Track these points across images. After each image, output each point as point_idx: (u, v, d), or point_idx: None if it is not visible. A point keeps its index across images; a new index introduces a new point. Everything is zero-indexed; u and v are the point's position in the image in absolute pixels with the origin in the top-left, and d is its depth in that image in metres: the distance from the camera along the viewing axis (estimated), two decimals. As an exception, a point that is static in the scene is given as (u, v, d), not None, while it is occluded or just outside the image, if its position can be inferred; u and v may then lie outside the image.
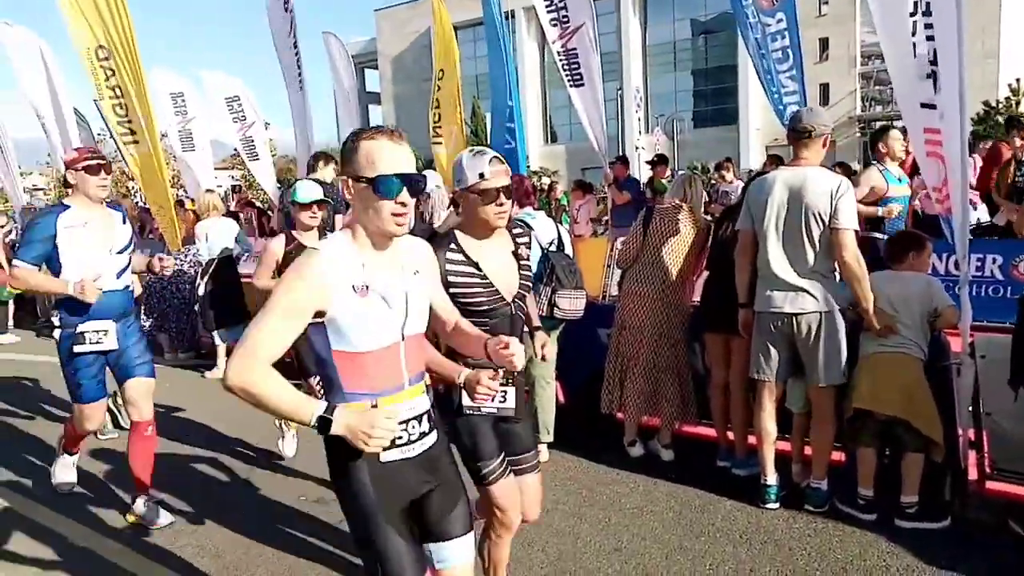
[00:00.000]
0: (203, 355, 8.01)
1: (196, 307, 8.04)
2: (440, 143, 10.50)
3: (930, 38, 3.92)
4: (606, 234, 10.89)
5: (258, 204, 16.08)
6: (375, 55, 55.59)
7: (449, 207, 5.94)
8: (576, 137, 45.36)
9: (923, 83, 4.05)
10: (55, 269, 3.93)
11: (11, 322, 10.75)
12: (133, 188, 27.29)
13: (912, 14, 4.02)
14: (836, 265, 3.85)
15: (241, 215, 13.79)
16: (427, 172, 6.46)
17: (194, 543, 3.97)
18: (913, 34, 4.04)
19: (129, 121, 8.37)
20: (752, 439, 4.38)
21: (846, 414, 3.97)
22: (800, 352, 3.92)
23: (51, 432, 5.39)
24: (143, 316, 8.15)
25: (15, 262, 3.89)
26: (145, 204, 15.49)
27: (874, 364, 3.90)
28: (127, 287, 4.17)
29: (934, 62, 3.92)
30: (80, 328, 3.96)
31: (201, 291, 7.50)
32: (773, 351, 3.97)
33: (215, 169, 16.67)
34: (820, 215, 3.77)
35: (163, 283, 8.21)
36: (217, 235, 7.53)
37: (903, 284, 3.98)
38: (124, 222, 4.18)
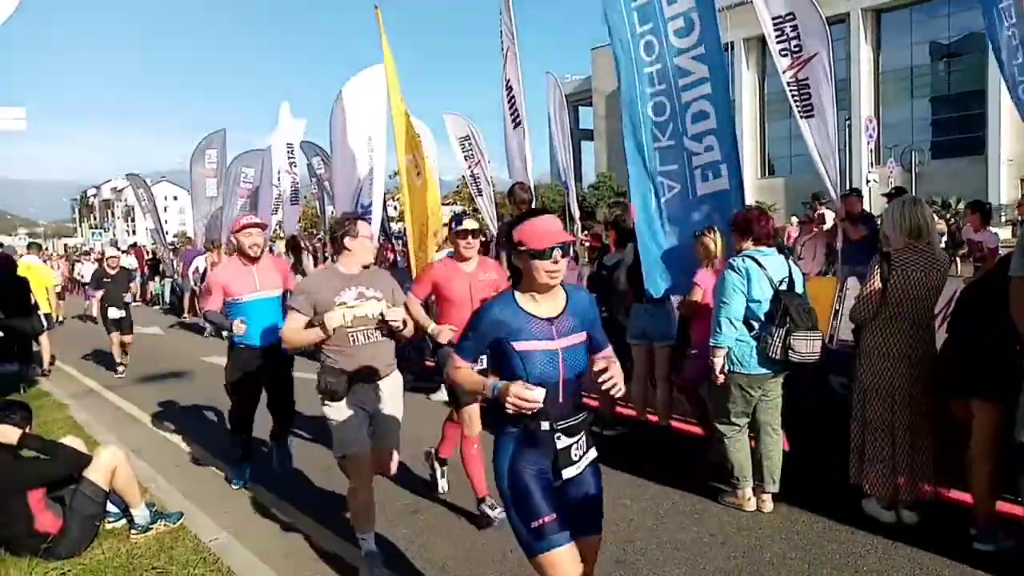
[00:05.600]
0: (424, 378, 8.53)
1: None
2: None
3: None
4: (833, 271, 10.20)
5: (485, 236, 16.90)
6: (588, 93, 56.82)
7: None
8: (796, 170, 43.25)
9: None
10: None
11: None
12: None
13: None
14: None
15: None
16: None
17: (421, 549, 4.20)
18: None
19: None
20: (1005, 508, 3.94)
21: None
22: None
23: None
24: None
25: None
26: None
27: None
28: None
29: None
30: None
31: (431, 318, 7.96)
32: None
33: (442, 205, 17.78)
34: None
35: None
36: None
37: None
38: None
